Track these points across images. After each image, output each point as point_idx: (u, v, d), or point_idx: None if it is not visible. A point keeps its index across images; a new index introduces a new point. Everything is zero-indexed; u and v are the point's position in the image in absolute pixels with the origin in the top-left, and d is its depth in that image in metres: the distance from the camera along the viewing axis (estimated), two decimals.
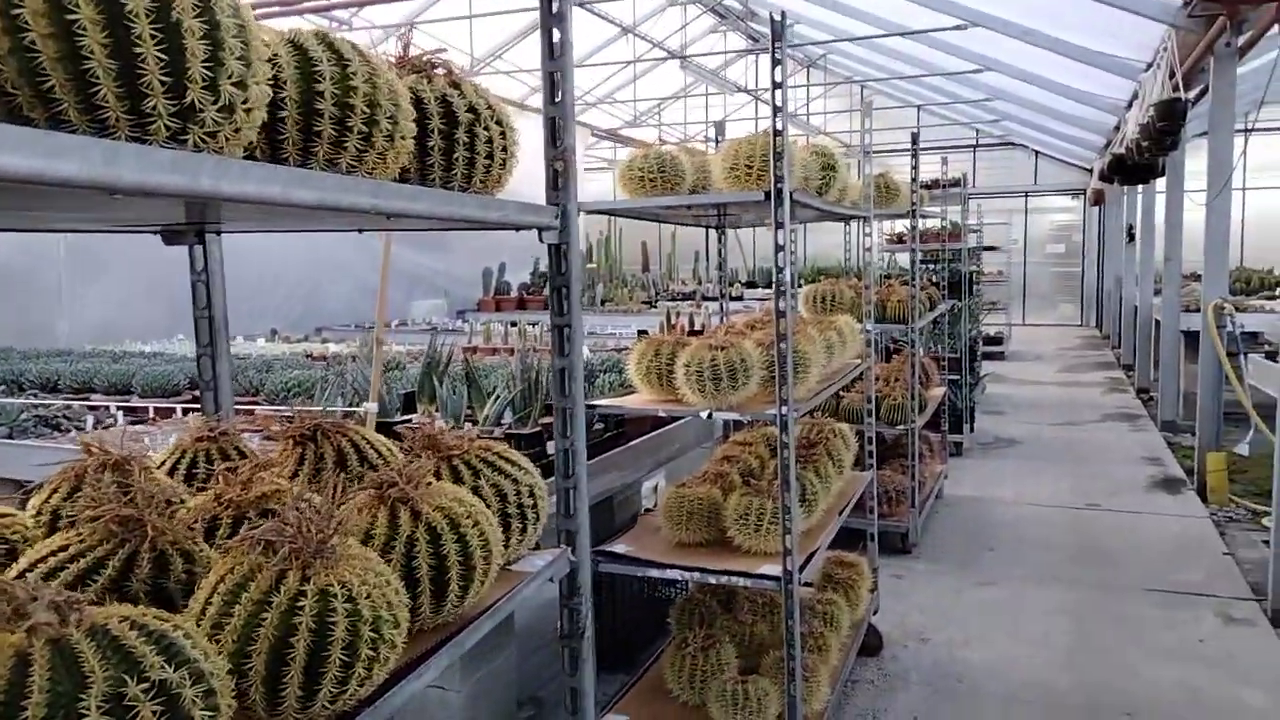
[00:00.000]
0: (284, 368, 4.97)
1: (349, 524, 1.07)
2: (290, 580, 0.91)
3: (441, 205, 1.17)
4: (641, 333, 7.73)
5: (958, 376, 7.85)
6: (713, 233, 4.30)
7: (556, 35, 1.46)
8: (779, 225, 2.56)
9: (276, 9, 8.56)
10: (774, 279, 2.59)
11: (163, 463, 1.40)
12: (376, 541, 1.13)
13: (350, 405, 3.22)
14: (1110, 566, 5.16)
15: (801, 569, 2.80)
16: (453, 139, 1.28)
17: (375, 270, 11.59)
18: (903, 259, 9.58)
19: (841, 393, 5.58)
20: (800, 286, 5.67)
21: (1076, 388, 11.59)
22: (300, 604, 0.89)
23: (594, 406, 2.92)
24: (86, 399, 4.57)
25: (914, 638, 4.27)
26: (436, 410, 3.08)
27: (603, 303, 12.30)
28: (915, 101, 16.81)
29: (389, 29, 11.65)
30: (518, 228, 1.43)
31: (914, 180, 5.03)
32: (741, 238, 16.13)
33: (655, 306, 11.92)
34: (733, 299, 12.54)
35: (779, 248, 2.57)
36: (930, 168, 8.10)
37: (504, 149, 1.38)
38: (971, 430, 8.09)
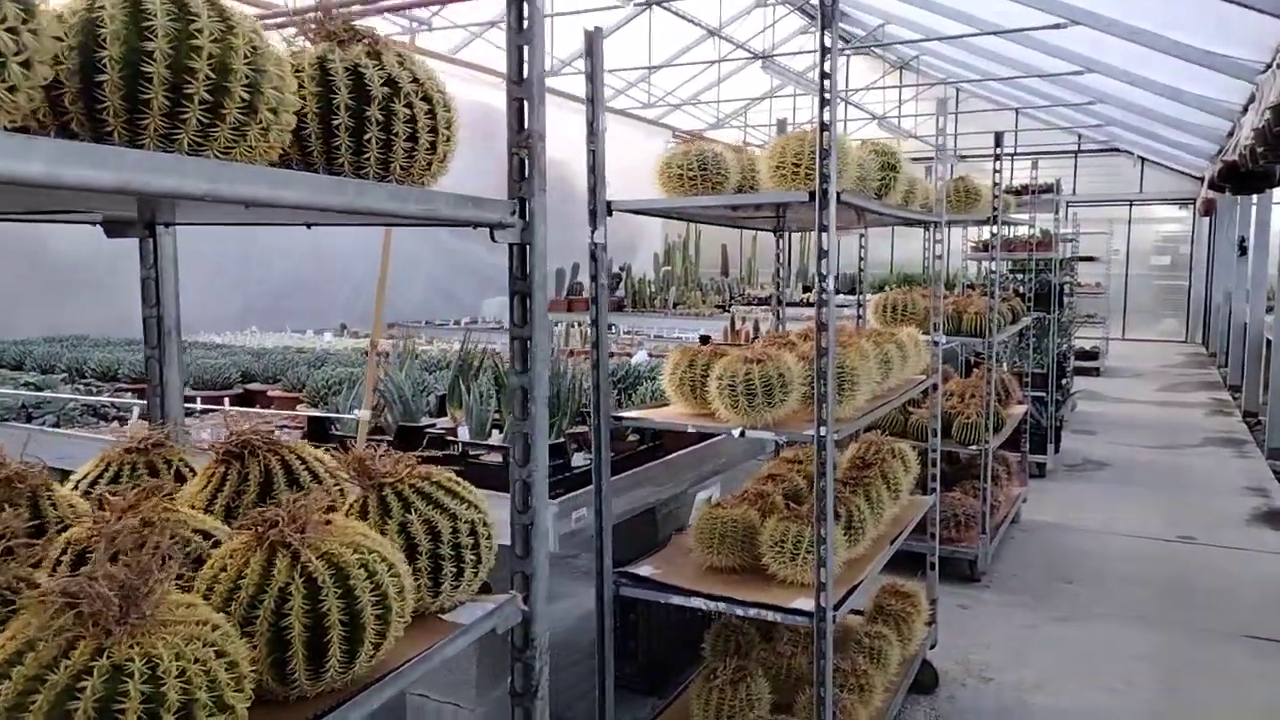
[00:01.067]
0: (336, 364, 4.93)
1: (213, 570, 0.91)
2: (79, 652, 0.74)
3: (326, 194, 0.98)
4: (704, 338, 7.53)
5: (1044, 393, 7.40)
6: (785, 236, 4.06)
7: (526, 7, 1.27)
8: (823, 228, 2.32)
9: (357, 7, 8.62)
10: (817, 287, 2.36)
11: (85, 475, 1.28)
12: (243, 594, 0.96)
13: (372, 410, 3.11)
14: (1203, 608, 4.72)
15: (839, 605, 2.56)
16: (363, 118, 1.10)
17: (449, 268, 11.68)
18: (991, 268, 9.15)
19: (911, 408, 5.27)
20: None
21: (1176, 408, 10.89)
22: (82, 684, 0.73)
23: (620, 418, 2.74)
24: (140, 389, 4.60)
25: (976, 676, 3.96)
26: (463, 418, 2.94)
27: (675, 306, 12.10)
28: (1012, 105, 16.14)
29: (472, 28, 11.70)
30: (456, 223, 1.25)
31: (996, 184, 4.69)
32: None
33: (728, 311, 11.66)
34: (807, 305, 12.23)
35: (823, 252, 2.34)
36: (1026, 173, 7.67)
37: (434, 130, 1.20)
38: (1057, 451, 7.62)
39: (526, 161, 1.29)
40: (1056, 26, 8.68)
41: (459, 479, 1.27)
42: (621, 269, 12.85)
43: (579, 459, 2.87)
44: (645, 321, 11.08)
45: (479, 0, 10.39)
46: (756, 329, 7.11)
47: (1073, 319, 9.87)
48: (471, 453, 2.85)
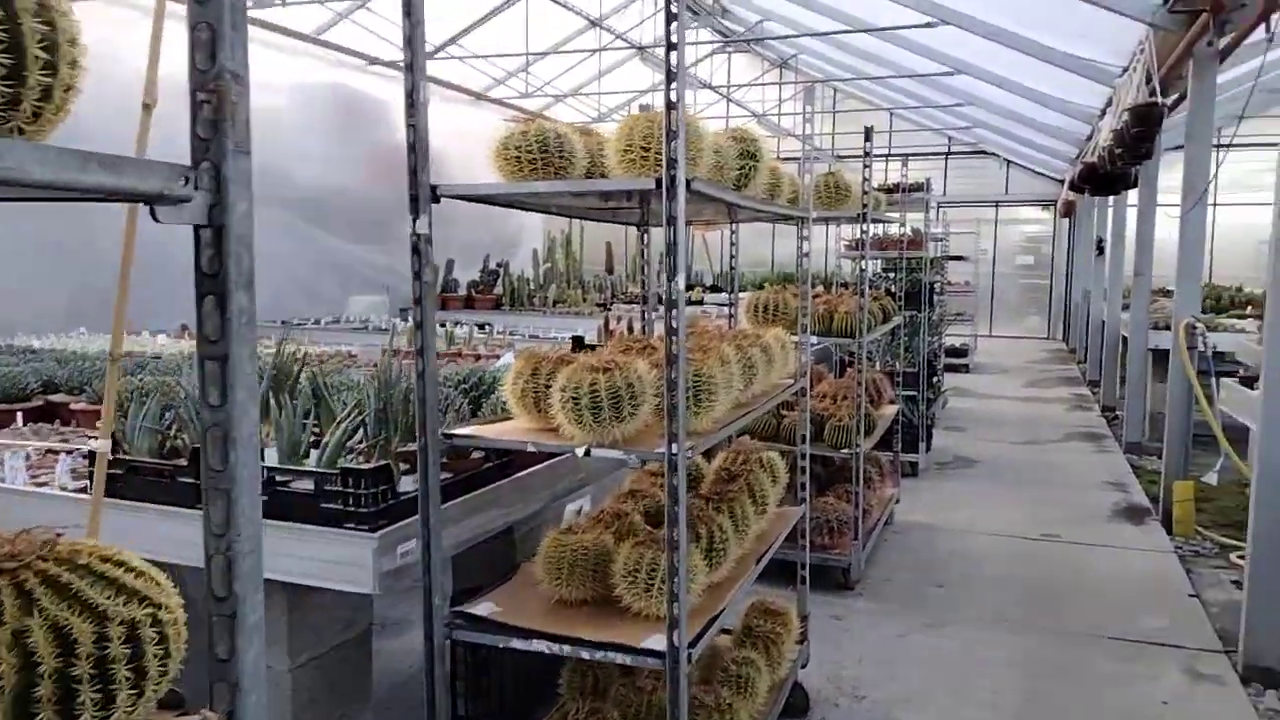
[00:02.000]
0: (155, 371, 4.41)
1: None
2: None
3: None
4: (577, 339, 7.23)
5: (915, 392, 7.42)
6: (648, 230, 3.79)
7: None
8: (670, 221, 2.06)
9: None
10: (666, 286, 2.10)
11: None
12: None
13: (164, 429, 2.68)
14: (1068, 609, 4.72)
15: (695, 641, 2.30)
16: None
17: (311, 263, 10.99)
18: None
19: (784, 410, 5.11)
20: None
21: (1040, 404, 11.23)
22: None
23: (451, 436, 2.41)
24: None
25: (848, 694, 3.79)
26: (271, 437, 2.55)
27: (554, 304, 11.77)
28: (886, 106, 16.46)
29: (342, 11, 11.06)
30: (71, 195, 0.88)
31: (866, 180, 4.56)
32: (710, 236, 15.67)
33: (610, 309, 11.41)
34: (691, 304, 12.04)
35: (671, 247, 2.07)
36: (900, 174, 7.67)
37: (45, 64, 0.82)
38: (928, 449, 7.67)
39: (215, 110, 0.95)
40: (927, 25, 8.75)
41: (127, 558, 0.93)
42: (500, 265, 12.44)
43: (409, 483, 2.52)
44: (523, 320, 10.70)
45: None
46: (631, 329, 6.85)
47: (943, 317, 10.02)
48: (279, 479, 2.47)
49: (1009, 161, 19.29)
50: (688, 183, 2.10)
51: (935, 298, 9.12)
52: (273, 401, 2.60)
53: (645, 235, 3.76)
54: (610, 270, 17.32)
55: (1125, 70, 7.79)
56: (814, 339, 4.80)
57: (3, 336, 6.77)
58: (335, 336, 8.52)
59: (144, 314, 8.03)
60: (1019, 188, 19.61)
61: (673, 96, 2.02)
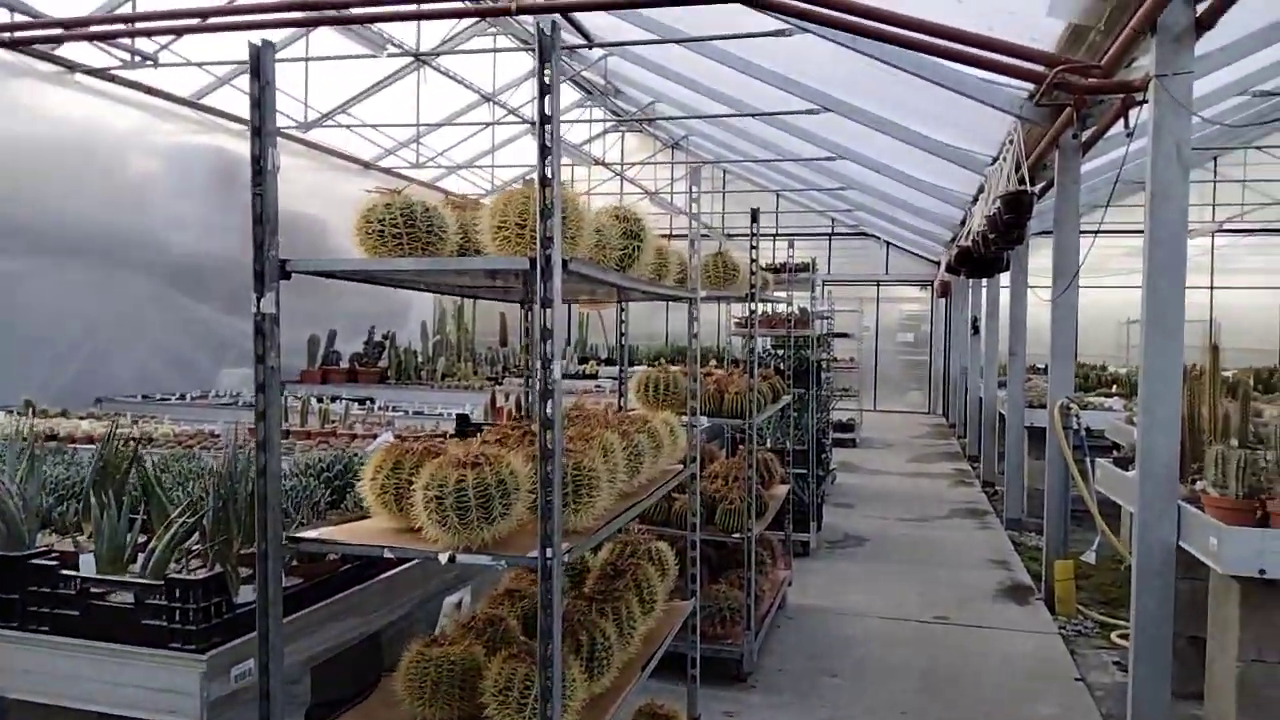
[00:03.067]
0: None
1: None
2: None
3: None
4: (462, 418, 6.94)
5: (805, 470, 7.39)
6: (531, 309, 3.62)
7: None
8: (545, 303, 1.88)
9: (59, 30, 7.53)
10: (539, 374, 1.91)
11: None
12: None
13: None
14: (962, 698, 4.63)
15: None
16: None
17: (180, 330, 10.35)
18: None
19: (675, 494, 4.95)
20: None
21: (925, 479, 11.43)
22: None
23: (298, 540, 2.14)
24: None
25: None
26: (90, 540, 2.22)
27: (443, 378, 11.41)
28: (773, 188, 16.96)
29: (209, 68, 10.68)
30: None
31: (754, 260, 4.53)
32: (606, 310, 15.63)
33: (501, 384, 11.13)
34: (584, 377, 11.86)
35: (545, 333, 1.90)
36: (785, 253, 7.76)
37: None
38: (819, 528, 7.62)
39: None
40: (810, 112, 9.02)
41: None
42: (385, 337, 12.03)
43: (250, 592, 2.22)
44: (409, 395, 10.30)
45: (219, 42, 9.47)
46: (520, 406, 6.61)
47: (830, 394, 10.14)
48: (94, 591, 2.14)
49: (888, 243, 20.08)
50: (565, 263, 1.94)
51: (823, 375, 9.22)
52: (93, 499, 2.27)
53: (528, 312, 3.59)
54: (504, 343, 17.01)
55: (995, 159, 8.16)
56: (704, 419, 4.68)
57: None
58: (200, 413, 7.98)
59: None
60: (898, 268, 20.40)
61: (547, 172, 1.87)
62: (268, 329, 2.00)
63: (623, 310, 4.46)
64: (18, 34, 6.64)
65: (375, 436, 5.56)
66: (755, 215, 4.59)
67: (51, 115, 8.63)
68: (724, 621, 4.70)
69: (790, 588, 6.16)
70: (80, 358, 8.75)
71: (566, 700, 2.19)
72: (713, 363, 9.62)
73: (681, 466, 3.39)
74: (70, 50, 8.46)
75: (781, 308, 7.30)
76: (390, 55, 8.44)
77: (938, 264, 18.82)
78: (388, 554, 2.08)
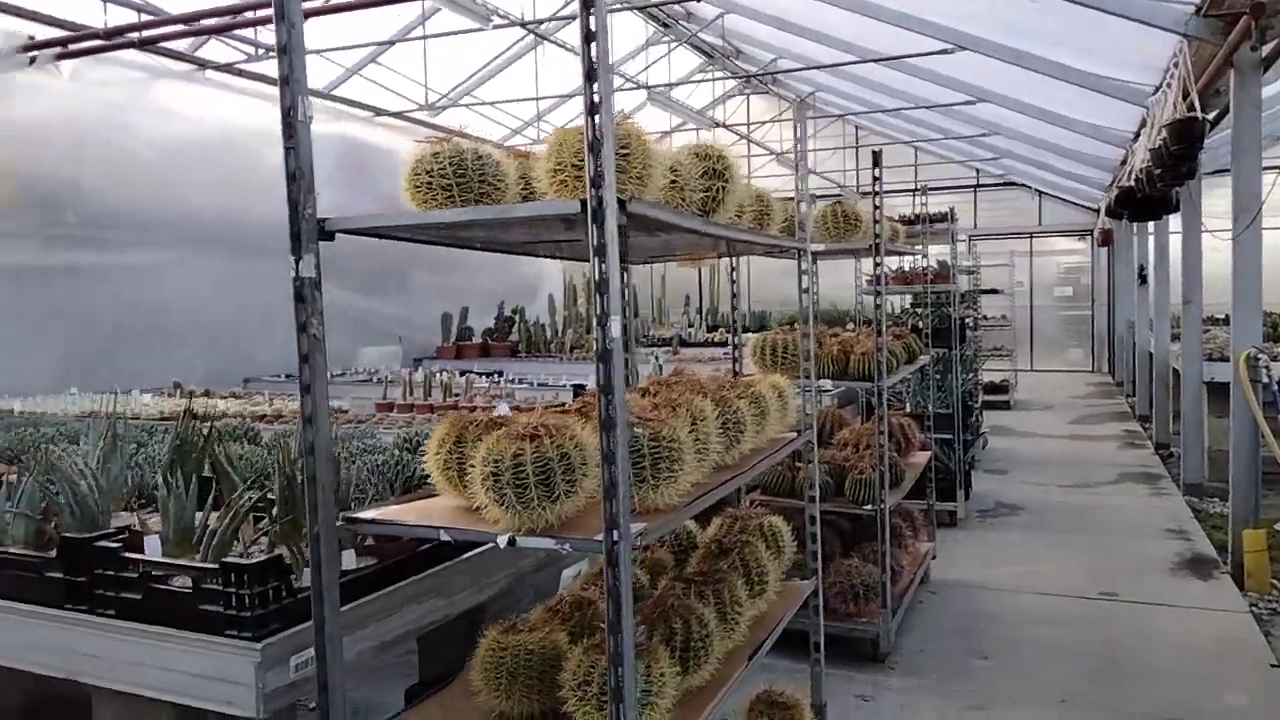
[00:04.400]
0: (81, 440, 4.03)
1: None
2: None
3: None
4: (578, 388, 6.80)
5: (950, 435, 6.87)
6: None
7: None
8: (599, 251, 1.63)
9: (180, 26, 7.80)
10: (597, 333, 1.67)
11: None
12: None
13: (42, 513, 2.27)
14: (1134, 685, 4.13)
15: None
16: None
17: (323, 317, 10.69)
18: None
19: (799, 463, 4.63)
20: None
21: (1089, 442, 10.56)
22: None
23: (355, 520, 1.98)
24: None
25: None
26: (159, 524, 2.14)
27: (571, 350, 11.38)
28: (904, 138, 16.07)
29: (351, 66, 10.95)
30: None
31: (876, 208, 4.11)
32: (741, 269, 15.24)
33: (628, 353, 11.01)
34: (711, 344, 11.57)
35: (601, 283, 1.64)
36: (920, 204, 7.21)
37: None
38: (967, 497, 7.08)
39: None
40: (944, 52, 8.35)
41: None
42: (514, 312, 12.10)
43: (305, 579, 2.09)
44: (537, 368, 10.36)
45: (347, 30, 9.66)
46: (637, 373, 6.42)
47: (978, 353, 9.47)
48: (155, 574, 2.05)
49: (1040, 192, 18.74)
50: (622, 204, 1.67)
51: (968, 333, 8.59)
52: (160, 480, 2.19)
53: (624, 273, 3.34)
54: (635, 313, 16.96)
55: (1158, 88, 7.30)
56: (828, 383, 4.33)
57: None
58: (337, 389, 8.17)
59: (139, 375, 7.79)
60: (1053, 218, 19.02)
61: (595, 98, 1.61)
62: (308, 294, 1.85)
63: (734, 268, 4.15)
64: (145, 33, 6.88)
65: (493, 409, 5.48)
66: (877, 158, 4.17)
67: (188, 113, 9.02)
68: (857, 598, 4.36)
69: (934, 561, 5.72)
70: (228, 342, 9.15)
71: (653, 698, 1.96)
72: (849, 325, 9.16)
73: (795, 435, 3.08)
74: (202, 50, 8.79)
75: (919, 262, 6.77)
76: (496, 27, 8.34)
77: (1096, 211, 17.40)
78: (444, 536, 1.89)
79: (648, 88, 11.64)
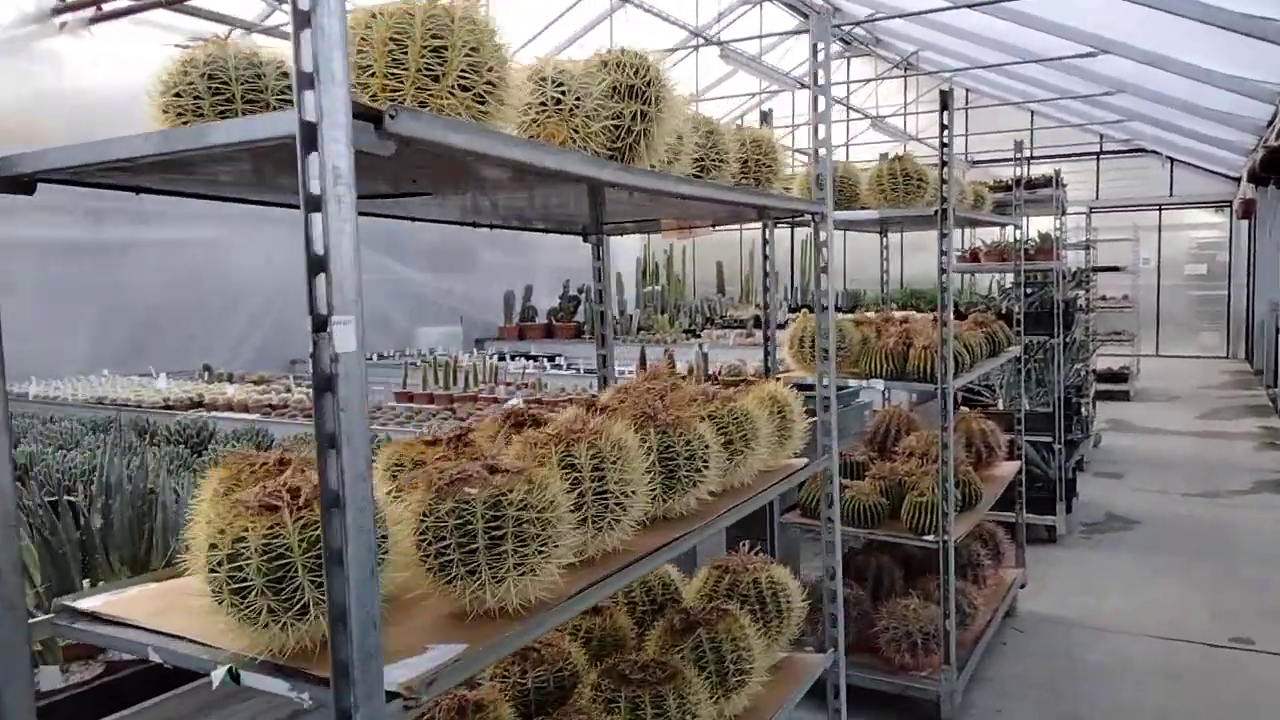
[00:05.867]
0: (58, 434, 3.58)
1: None
2: None
3: None
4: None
5: (1050, 437, 5.90)
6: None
7: None
8: (310, 205, 0.92)
9: None
10: (313, 349, 0.96)
11: None
12: None
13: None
14: None
15: None
16: None
17: (380, 291, 10.29)
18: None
19: (850, 478, 3.84)
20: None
21: (1220, 440, 9.28)
22: None
23: (70, 612, 1.33)
24: None
25: None
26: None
27: (639, 331, 10.70)
28: (1014, 99, 14.67)
29: None
30: None
31: (945, 163, 3.25)
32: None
33: (699, 335, 10.27)
34: (735, 326, 10.66)
35: (316, 262, 0.94)
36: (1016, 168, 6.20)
37: None
38: (1069, 510, 6.09)
39: None
40: None
41: None
42: (580, 290, 11.48)
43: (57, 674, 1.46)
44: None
45: None
46: (673, 361, 5.70)
47: (1090, 339, 8.34)
48: None
49: (1171, 159, 16.98)
50: (376, 118, 0.96)
51: (1077, 317, 7.51)
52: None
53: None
54: (721, 291, 16.13)
55: None
56: (879, 384, 3.52)
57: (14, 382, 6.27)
58: (383, 373, 7.73)
59: (176, 356, 7.50)
60: (1186, 188, 17.22)
61: None
62: None
63: (768, 240, 3.38)
64: None
65: (501, 401, 4.85)
66: (946, 101, 3.31)
67: None
68: (914, 648, 3.55)
69: (1023, 589, 4.83)
70: (279, 320, 8.81)
71: None
72: (904, 310, 8.15)
73: (802, 463, 2.31)
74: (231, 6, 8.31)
75: (1013, 234, 5.79)
76: None
77: (1237, 180, 15.61)
78: (153, 656, 1.22)
79: (718, 43, 10.76)
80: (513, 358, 8.82)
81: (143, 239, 8.03)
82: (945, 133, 3.27)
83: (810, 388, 2.50)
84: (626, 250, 14.29)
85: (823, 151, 2.33)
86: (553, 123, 1.37)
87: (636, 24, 11.97)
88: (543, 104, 1.37)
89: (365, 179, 1.17)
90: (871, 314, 4.62)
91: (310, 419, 4.73)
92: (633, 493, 1.53)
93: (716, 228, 2.72)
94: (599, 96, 1.40)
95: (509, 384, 5.83)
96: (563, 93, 1.38)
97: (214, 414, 5.08)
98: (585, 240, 2.64)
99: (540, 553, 1.27)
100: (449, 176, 1.43)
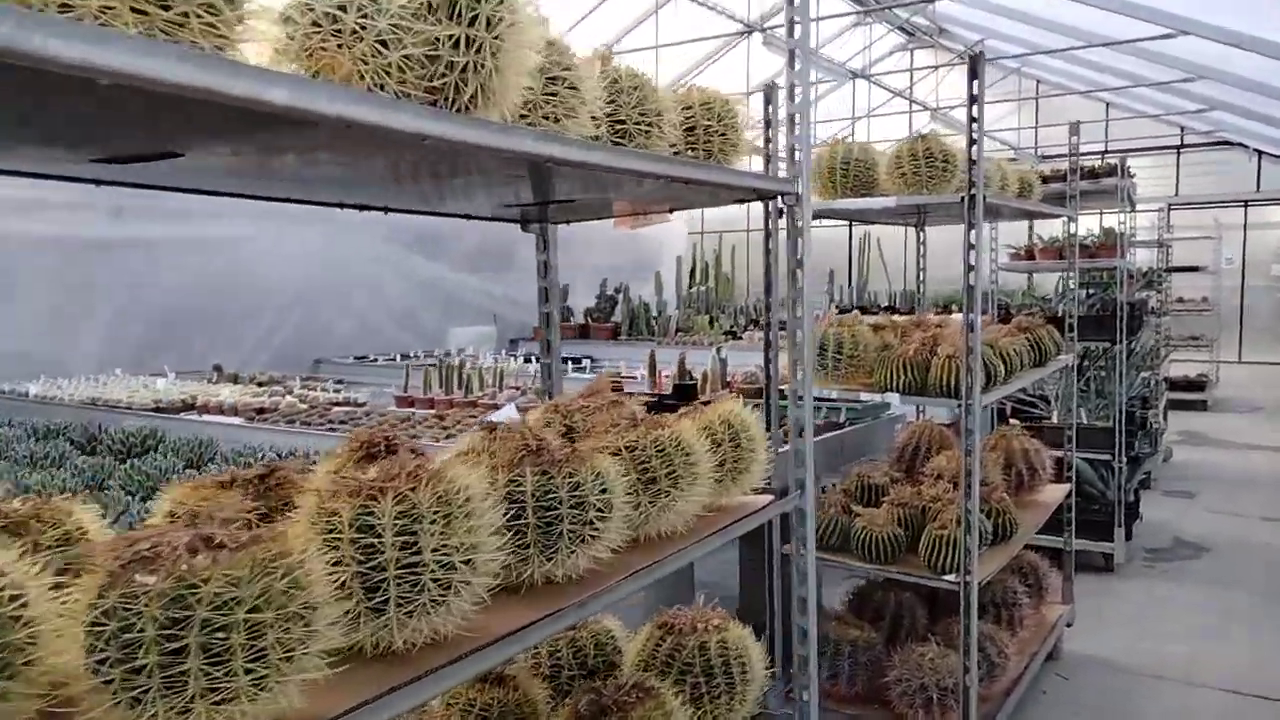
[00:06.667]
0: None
1: None
2: None
3: None
4: (678, 388, 5.69)
5: (1110, 454, 5.32)
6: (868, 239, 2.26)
7: None
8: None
9: None
10: None
11: None
12: None
13: None
14: None
15: None
16: None
17: (402, 287, 10.03)
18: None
19: (885, 497, 3.39)
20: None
21: None
22: None
23: None
24: None
25: None
26: None
27: (677, 332, 10.27)
28: (1081, 87, 13.84)
29: None
30: None
31: (974, 141, 2.76)
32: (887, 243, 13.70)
33: (740, 337, 9.81)
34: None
35: None
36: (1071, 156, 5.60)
37: None
38: (1129, 536, 5.50)
39: None
40: None
41: None
42: (617, 290, 11.09)
43: None
44: (634, 352, 9.35)
45: None
46: (683, 368, 5.28)
47: (1160, 345, 7.67)
48: None
49: (1259, 151, 15.88)
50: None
51: (1147, 320, 6.86)
52: None
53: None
54: (769, 290, 15.57)
55: None
56: (896, 398, 3.04)
57: (15, 380, 6.13)
58: (354, 375, 7.46)
59: (193, 357, 7.32)
60: (1274, 183, 16.10)
61: None
62: None
63: (771, 231, 2.95)
64: None
65: (499, 406, 4.48)
66: (975, 66, 2.82)
67: None
68: (929, 704, 3.07)
69: (1070, 628, 4.30)
70: (303, 319, 8.59)
71: None
72: (891, 316, 7.53)
73: (767, 501, 1.88)
74: None
75: (1070, 228, 5.22)
76: None
77: None
78: None
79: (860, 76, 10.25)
80: (540, 359, 8.50)
81: (165, 237, 7.86)
82: (975, 106, 2.78)
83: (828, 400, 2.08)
84: (669, 247, 13.87)
85: (798, 117, 1.89)
86: (330, 50, 0.98)
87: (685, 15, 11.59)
88: (315, 25, 0.98)
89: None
90: (901, 317, 4.14)
91: (295, 426, 4.43)
92: (465, 562, 1.13)
93: (674, 212, 2.30)
94: (401, 16, 1.01)
95: (517, 387, 5.46)
96: (342, 9, 0.98)
97: (204, 417, 4.83)
98: (525, 229, 2.24)
99: (252, 671, 0.87)
100: (190, 127, 1.05)
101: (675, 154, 1.72)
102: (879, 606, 3.54)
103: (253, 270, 8.23)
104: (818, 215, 3.45)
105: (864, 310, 12.17)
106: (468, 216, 2.16)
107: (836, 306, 12.37)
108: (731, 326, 10.52)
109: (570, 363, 8.02)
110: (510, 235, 2.42)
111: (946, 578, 3.01)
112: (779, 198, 1.89)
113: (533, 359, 8.27)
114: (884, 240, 13.78)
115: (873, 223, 5.11)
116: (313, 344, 8.42)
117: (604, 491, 1.40)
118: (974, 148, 2.79)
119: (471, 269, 10.90)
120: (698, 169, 1.67)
